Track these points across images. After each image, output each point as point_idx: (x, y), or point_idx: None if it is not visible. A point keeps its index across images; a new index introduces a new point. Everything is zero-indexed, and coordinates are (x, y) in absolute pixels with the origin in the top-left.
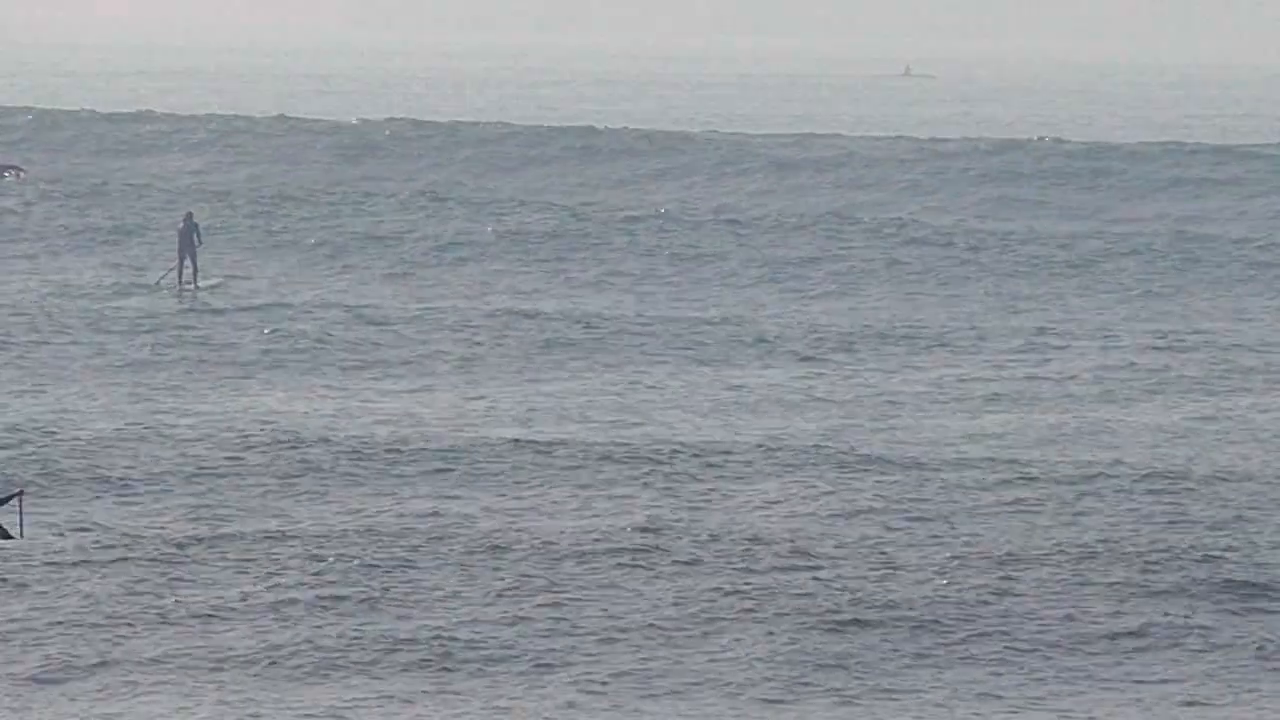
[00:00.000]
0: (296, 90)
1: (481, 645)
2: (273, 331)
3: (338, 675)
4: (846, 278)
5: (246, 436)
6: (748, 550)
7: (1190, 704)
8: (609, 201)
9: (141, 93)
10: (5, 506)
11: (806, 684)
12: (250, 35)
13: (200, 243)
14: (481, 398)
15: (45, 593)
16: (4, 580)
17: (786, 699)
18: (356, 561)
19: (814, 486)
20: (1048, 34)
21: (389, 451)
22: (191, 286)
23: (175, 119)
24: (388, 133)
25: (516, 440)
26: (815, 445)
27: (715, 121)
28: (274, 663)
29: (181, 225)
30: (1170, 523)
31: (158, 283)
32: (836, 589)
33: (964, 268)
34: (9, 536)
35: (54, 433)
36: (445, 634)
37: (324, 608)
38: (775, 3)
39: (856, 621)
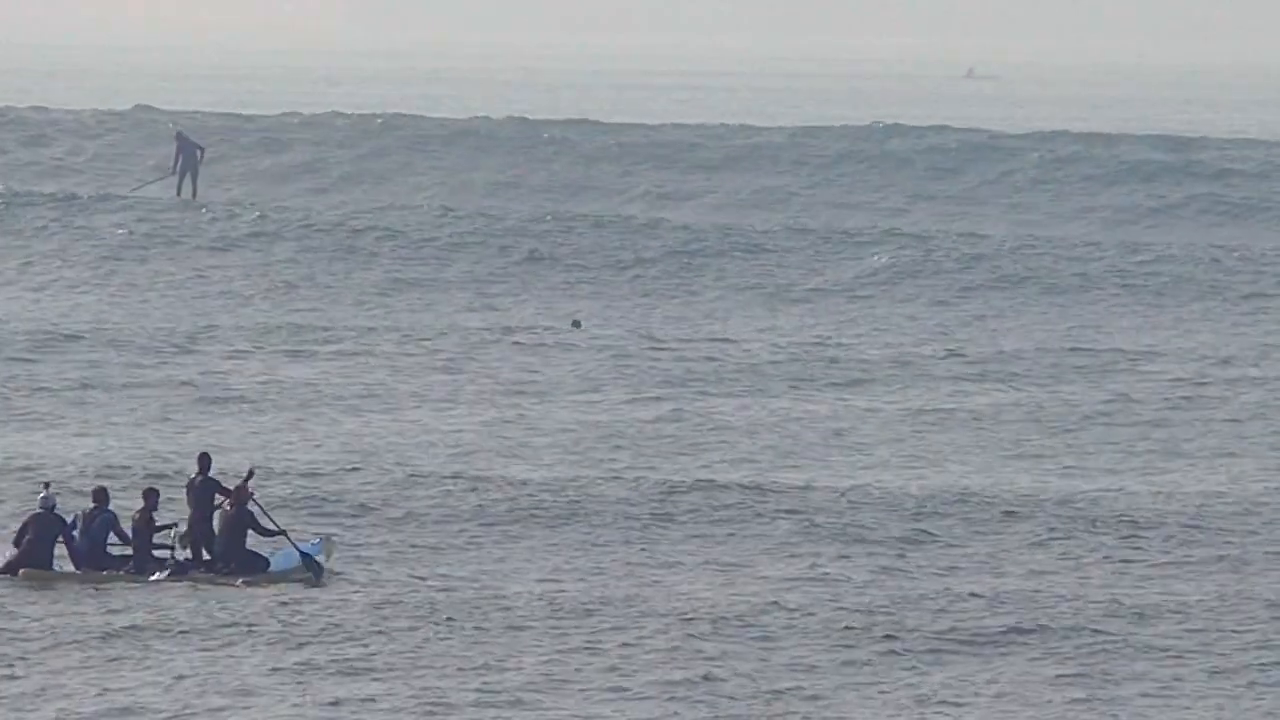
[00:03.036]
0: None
1: None
2: None
3: None
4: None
5: None
6: None
7: None
8: None
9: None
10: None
11: None
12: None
13: (202, 158)
14: None
15: None
16: None
17: None
18: None
19: None
20: (1115, 35)
21: None
22: (190, 195)
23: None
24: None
25: None
26: None
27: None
28: None
29: (177, 135)
30: None
31: (133, 190)
32: None
33: None
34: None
35: None
36: None
37: None
38: (830, 3)
39: None
